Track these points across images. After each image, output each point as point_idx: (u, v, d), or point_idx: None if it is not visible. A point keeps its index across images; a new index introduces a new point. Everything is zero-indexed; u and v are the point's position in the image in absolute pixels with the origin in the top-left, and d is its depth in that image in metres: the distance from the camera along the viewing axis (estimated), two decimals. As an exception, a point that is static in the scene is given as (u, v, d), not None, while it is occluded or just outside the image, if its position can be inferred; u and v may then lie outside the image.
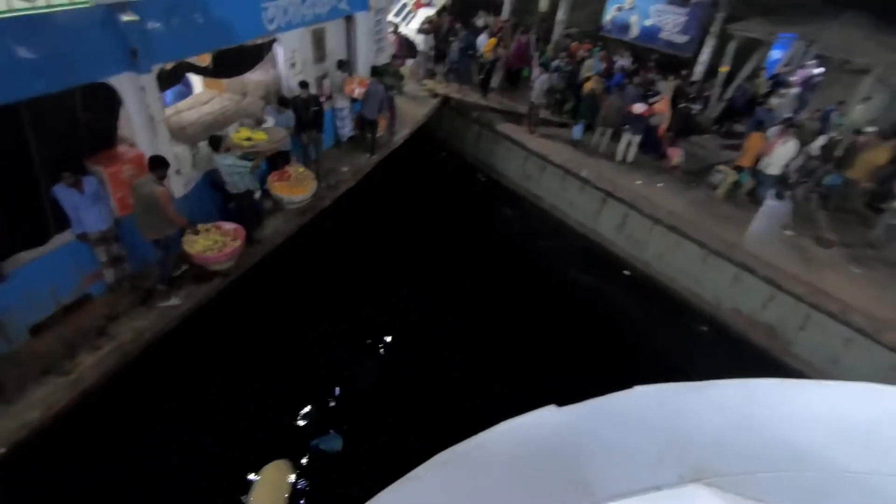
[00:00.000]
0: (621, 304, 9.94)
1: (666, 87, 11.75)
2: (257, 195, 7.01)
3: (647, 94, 10.98)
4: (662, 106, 10.65)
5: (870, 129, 10.98)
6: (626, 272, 10.50)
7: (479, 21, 14.98)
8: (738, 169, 9.88)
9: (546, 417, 2.01)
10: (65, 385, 5.07)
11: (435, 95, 12.70)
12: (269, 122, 7.84)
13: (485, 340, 8.30)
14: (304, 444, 6.19)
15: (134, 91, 5.65)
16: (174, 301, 6.02)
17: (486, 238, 11.36)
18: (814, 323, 8.04)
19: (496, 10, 17.65)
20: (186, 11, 5.97)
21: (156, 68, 5.80)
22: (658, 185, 10.36)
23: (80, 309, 5.80)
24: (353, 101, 9.54)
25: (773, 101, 10.97)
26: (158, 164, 5.49)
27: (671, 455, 1.78)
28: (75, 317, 5.72)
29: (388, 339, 8.29)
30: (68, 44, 4.95)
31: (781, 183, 9.55)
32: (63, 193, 5.25)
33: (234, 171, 6.31)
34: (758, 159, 9.47)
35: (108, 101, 5.59)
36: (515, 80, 14.03)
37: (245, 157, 6.51)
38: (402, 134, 10.68)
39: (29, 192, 5.20)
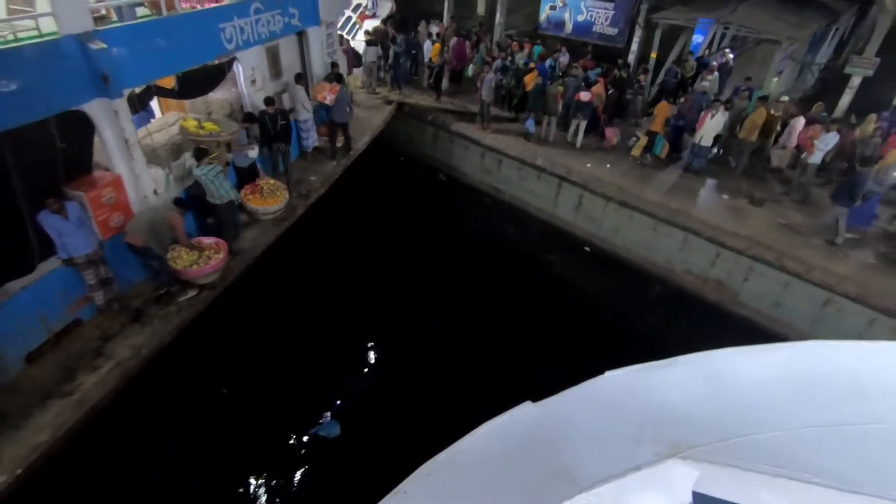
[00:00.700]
0: (585, 279, 10.69)
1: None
2: (237, 202, 7.26)
3: (587, 82, 11.87)
4: (599, 89, 11.58)
5: (784, 98, 12.28)
6: (587, 249, 11.27)
7: (432, 28, 15.57)
8: (652, 134, 11.00)
9: (523, 414, 2.09)
10: (69, 406, 5.17)
11: (388, 102, 13.13)
12: (243, 138, 8.04)
13: (460, 330, 8.83)
14: (302, 436, 6.51)
15: (107, 116, 5.82)
16: (192, 293, 6.42)
17: (453, 233, 11.90)
18: (755, 273, 8.98)
19: (437, 18, 18.34)
20: (151, 36, 6.18)
21: (126, 92, 5.98)
22: (606, 165, 11.19)
23: (73, 333, 5.88)
24: (316, 111, 9.86)
25: (704, 83, 12.07)
26: (178, 203, 6.38)
27: (646, 434, 1.85)
28: (69, 341, 5.80)
29: (371, 338, 8.69)
30: (41, 75, 5.10)
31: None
32: (48, 220, 5.36)
33: (213, 177, 6.57)
34: (668, 123, 10.87)
35: (83, 128, 5.74)
36: (459, 79, 14.75)
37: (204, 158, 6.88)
38: (362, 141, 11.04)
39: (13, 222, 5.28)
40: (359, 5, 15.52)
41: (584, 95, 11.09)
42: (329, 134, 10.14)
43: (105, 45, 5.50)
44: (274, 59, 9.26)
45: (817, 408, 1.85)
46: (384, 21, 15.13)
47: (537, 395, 2.19)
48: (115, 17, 6.62)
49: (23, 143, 5.12)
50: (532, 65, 12.92)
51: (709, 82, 12.04)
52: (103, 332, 5.96)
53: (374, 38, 13.33)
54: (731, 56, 13.89)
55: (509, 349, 8.44)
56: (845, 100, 12.74)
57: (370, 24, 14.44)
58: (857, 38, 12.21)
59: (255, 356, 7.44)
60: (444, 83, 13.84)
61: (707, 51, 14.91)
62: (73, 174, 5.86)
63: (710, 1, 14.11)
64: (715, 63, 13.42)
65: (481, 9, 21.70)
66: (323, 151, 10.20)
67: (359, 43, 14.37)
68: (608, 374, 2.18)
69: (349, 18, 14.95)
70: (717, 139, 10.63)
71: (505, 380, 7.56)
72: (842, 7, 13.28)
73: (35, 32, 5.36)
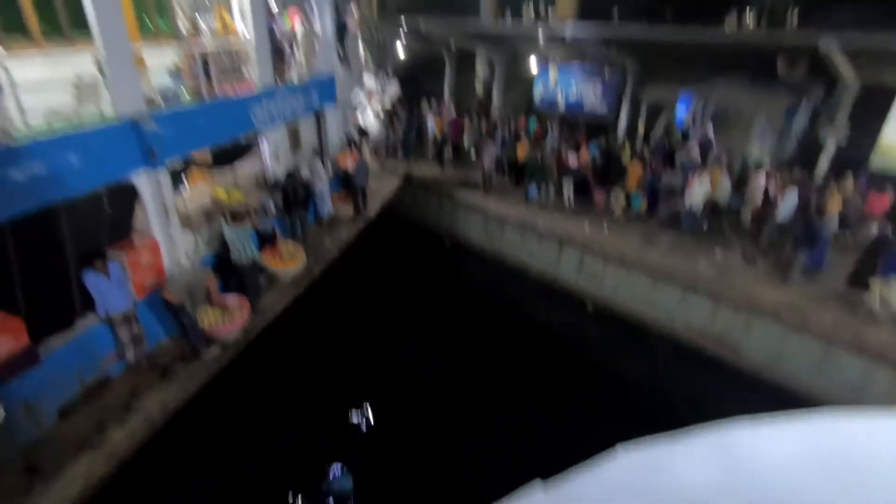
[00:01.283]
0: (589, 335, 10.96)
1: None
2: (259, 264, 7.77)
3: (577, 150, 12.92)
4: (584, 155, 12.74)
5: (766, 162, 13.18)
6: (590, 307, 11.62)
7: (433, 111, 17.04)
8: (628, 192, 12.24)
9: (534, 502, 1.94)
10: (99, 459, 5.34)
11: (397, 174, 14.06)
12: (269, 206, 8.70)
13: (469, 384, 9.01)
14: (316, 487, 6.59)
15: (150, 185, 6.46)
16: (216, 349, 6.76)
17: (459, 293, 12.32)
18: (754, 327, 9.29)
19: (438, 97, 19.97)
20: (193, 118, 6.99)
21: (169, 163, 6.67)
22: (604, 228, 11.82)
23: (103, 388, 6.14)
24: (330, 181, 10.65)
25: (690, 152, 13.06)
26: (213, 267, 7.10)
27: None
28: (99, 396, 6.04)
29: (383, 386, 8.88)
30: (101, 151, 5.79)
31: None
32: (92, 279, 5.81)
33: (243, 238, 7.13)
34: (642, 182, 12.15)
35: (128, 196, 6.36)
36: (458, 151, 15.90)
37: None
38: (373, 209, 11.77)
39: (60, 280, 5.74)
40: (369, 86, 16.98)
41: (572, 160, 12.07)
42: (352, 197, 10.96)
43: (156, 126, 6.25)
44: (294, 134, 10.18)
45: (839, 489, 1.72)
46: (393, 105, 16.52)
47: (544, 457, 2.33)
48: (161, 102, 7.47)
49: (77, 208, 5.71)
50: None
51: (690, 150, 13.02)
52: (133, 387, 6.22)
53: (387, 119, 14.57)
54: (711, 130, 15.05)
55: (516, 403, 8.58)
56: (823, 163, 13.64)
57: (378, 103, 15.73)
58: (830, 107, 13.30)
59: (273, 407, 7.64)
60: (448, 155, 14.89)
61: (691, 122, 16.12)
62: (116, 237, 6.41)
63: (691, 78, 15.49)
64: (694, 139, 14.53)
65: (479, 89, 23.52)
66: (337, 218, 10.88)
67: (368, 119, 15.62)
68: (621, 451, 2.07)
69: (359, 98, 16.30)
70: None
71: (512, 437, 7.68)
72: (808, 84, 14.55)
73: (98, 116, 6.11)
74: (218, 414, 6.80)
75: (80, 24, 6.35)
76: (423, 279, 12.78)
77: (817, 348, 8.50)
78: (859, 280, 8.91)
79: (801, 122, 15.73)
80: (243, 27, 9.23)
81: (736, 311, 9.29)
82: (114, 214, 6.27)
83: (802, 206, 10.50)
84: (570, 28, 15.42)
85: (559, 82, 17.99)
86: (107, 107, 6.15)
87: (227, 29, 8.85)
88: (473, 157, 15.13)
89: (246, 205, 7.97)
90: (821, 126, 13.81)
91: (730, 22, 15.06)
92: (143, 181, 6.37)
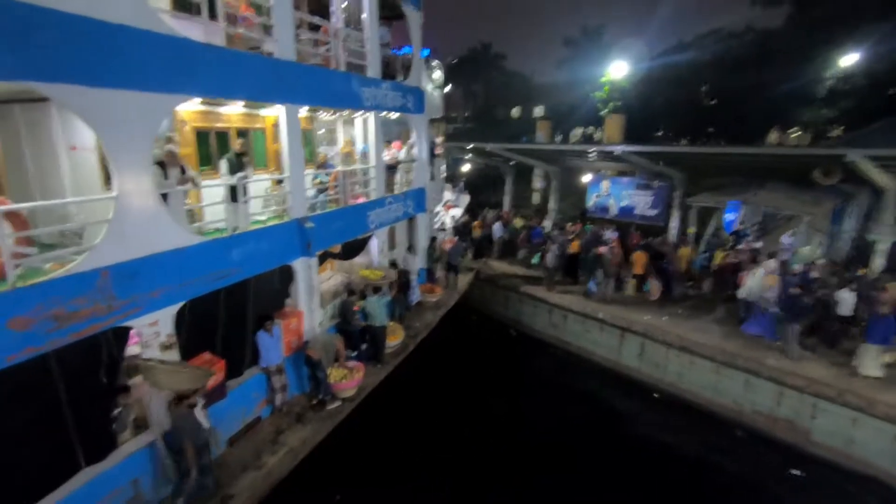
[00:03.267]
0: (656, 424, 11.42)
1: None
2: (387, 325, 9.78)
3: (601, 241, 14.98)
4: (616, 246, 15.05)
5: (821, 261, 14.07)
6: (656, 395, 12.26)
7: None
8: (637, 276, 14.21)
9: None
10: (260, 477, 6.75)
11: (470, 269, 16.03)
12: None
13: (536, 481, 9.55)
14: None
15: (304, 269, 8.55)
16: (336, 404, 8.15)
17: (525, 380, 13.32)
18: (821, 410, 9.72)
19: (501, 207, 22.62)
20: (334, 219, 9.28)
21: (318, 252, 8.81)
22: (663, 318, 12.86)
23: (256, 427, 7.69)
24: (418, 273, 12.64)
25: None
26: (341, 333, 8.92)
27: None
28: (254, 433, 7.58)
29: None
30: (278, 241, 7.98)
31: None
32: (262, 337, 7.68)
33: (382, 305, 9.04)
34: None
35: (288, 276, 8.44)
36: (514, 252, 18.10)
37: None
38: (454, 298, 13.53)
39: (243, 335, 7.64)
40: (447, 198, 19.78)
41: (604, 249, 14.02)
42: (446, 273, 13.53)
43: (313, 224, 8.48)
44: (392, 234, 12.43)
45: None
46: (465, 210, 19.13)
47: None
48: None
49: (259, 283, 7.77)
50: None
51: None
52: (277, 427, 7.74)
53: (463, 228, 17.32)
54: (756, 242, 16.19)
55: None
56: (878, 262, 14.33)
57: (453, 212, 18.24)
58: (881, 209, 14.32)
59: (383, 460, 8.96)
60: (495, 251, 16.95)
61: (741, 225, 17.40)
62: (277, 307, 8.39)
63: (737, 186, 17.10)
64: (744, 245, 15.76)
65: (536, 198, 26.14)
66: (423, 304, 12.65)
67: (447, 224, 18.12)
68: None
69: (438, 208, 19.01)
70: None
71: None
72: (850, 190, 15.81)
73: (276, 217, 8.44)
74: (347, 451, 8.20)
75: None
76: (492, 362, 14.00)
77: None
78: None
79: (850, 223, 16.73)
80: (358, 152, 12.05)
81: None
82: (280, 289, 8.33)
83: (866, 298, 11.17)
84: (619, 147, 17.84)
85: (611, 192, 20.09)
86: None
87: (350, 155, 11.60)
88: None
89: (387, 279, 10.06)
90: (870, 227, 14.80)
91: (772, 137, 17.04)
92: (299, 266, 8.47)
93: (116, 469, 5.74)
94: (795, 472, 9.46)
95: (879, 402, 9.07)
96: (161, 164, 6.55)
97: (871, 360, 9.64)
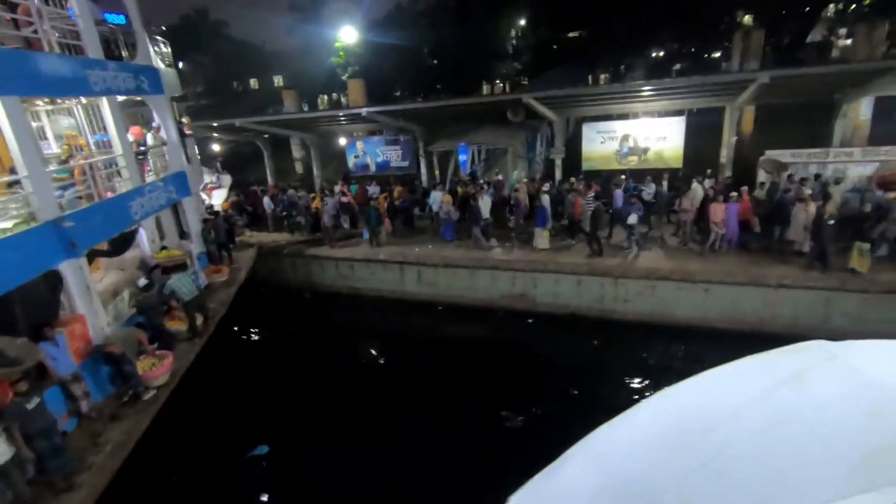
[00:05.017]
0: (446, 327, 14.37)
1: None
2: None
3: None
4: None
5: (524, 179, 18.76)
6: (439, 307, 15.17)
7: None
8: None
9: None
10: (92, 475, 6.75)
11: (250, 245, 16.29)
12: (142, 282, 10.35)
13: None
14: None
15: (74, 271, 8.06)
16: (151, 393, 8.15)
17: (327, 330, 14.82)
18: (540, 281, 13.82)
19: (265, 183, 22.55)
20: (95, 214, 8.76)
21: (84, 252, 8.32)
22: (429, 247, 15.72)
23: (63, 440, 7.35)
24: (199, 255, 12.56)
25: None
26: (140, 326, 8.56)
27: None
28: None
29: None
30: (33, 247, 7.39)
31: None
32: (47, 348, 7.22)
33: (187, 279, 9.14)
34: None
35: (57, 282, 7.88)
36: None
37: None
38: (241, 273, 13.84)
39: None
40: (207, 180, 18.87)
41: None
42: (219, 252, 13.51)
43: (73, 223, 8.00)
44: (158, 223, 11.96)
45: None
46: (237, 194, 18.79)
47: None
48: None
49: (26, 292, 7.19)
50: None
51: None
52: (92, 431, 7.54)
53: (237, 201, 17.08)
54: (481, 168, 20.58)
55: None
56: (557, 174, 19.96)
57: (218, 193, 17.75)
58: (554, 136, 19.83)
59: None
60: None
61: (471, 165, 21.59)
62: (51, 316, 7.81)
63: (463, 132, 21.02)
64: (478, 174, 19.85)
65: (299, 167, 26.74)
66: (212, 285, 12.68)
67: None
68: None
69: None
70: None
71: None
72: (536, 124, 21.20)
73: (24, 223, 7.65)
74: (173, 436, 8.39)
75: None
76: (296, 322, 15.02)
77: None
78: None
79: (540, 149, 22.41)
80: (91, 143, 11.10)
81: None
82: (51, 297, 7.75)
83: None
84: (364, 109, 19.86)
85: (367, 151, 22.21)
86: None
87: (83, 149, 10.62)
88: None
89: (184, 256, 10.09)
90: (550, 151, 20.26)
91: (484, 89, 21.20)
92: (66, 269, 7.94)
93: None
94: (530, 320, 13.52)
95: (560, 262, 13.46)
96: None
97: (540, 238, 14.11)
